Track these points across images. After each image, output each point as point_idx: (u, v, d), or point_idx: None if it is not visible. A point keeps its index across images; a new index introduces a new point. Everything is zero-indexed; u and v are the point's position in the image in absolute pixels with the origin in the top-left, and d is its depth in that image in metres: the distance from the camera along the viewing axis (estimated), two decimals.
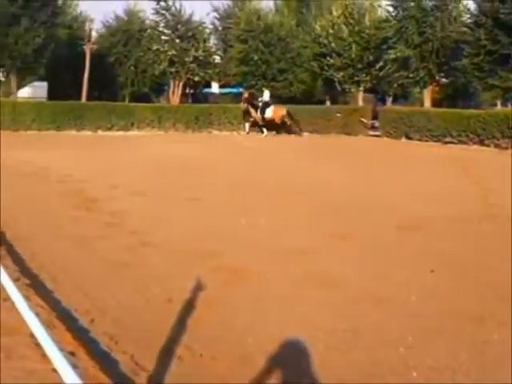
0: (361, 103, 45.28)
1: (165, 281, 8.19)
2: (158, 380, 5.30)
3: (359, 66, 43.87)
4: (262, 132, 39.93)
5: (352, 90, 46.01)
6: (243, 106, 40.92)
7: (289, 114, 39.68)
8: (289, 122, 39.92)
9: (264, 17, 46.20)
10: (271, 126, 40.00)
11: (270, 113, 39.55)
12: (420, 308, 7.23)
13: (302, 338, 6.22)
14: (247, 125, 40.64)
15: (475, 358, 5.85)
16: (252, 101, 40.73)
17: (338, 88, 45.66)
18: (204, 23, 48.94)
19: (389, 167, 22.93)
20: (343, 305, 7.38)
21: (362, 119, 39.75)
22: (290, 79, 46.01)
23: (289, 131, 39.84)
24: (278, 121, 39.60)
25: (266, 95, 41.05)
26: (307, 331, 6.46)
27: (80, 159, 23.29)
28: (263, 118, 39.71)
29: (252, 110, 39.92)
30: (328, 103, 48.56)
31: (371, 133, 39.30)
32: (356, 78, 44.48)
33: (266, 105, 40.02)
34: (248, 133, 40.12)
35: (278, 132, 40.08)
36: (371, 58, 43.40)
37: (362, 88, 45.38)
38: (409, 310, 7.14)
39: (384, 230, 11.59)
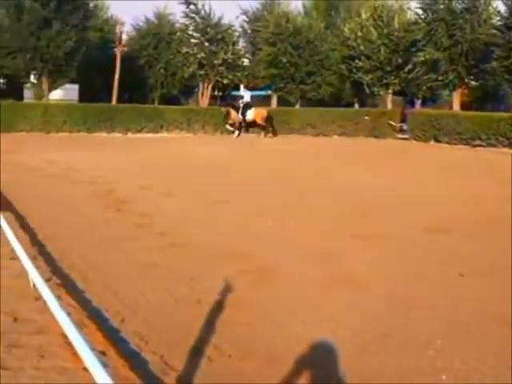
0: (389, 106, 45.07)
1: (194, 281, 8.26)
2: (187, 380, 5.36)
3: (388, 68, 43.67)
4: (233, 132, 39.84)
5: (381, 92, 45.83)
6: (223, 109, 40.82)
7: (269, 115, 39.86)
8: (269, 124, 39.88)
9: (293, 19, 46.13)
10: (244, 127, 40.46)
11: (251, 114, 39.57)
12: (449, 311, 7.22)
13: (330, 339, 6.25)
14: (228, 127, 40.50)
15: (504, 361, 5.83)
16: (232, 104, 40.94)
17: (367, 91, 45.48)
18: (233, 26, 49.07)
19: (417, 170, 22.80)
20: (372, 307, 7.39)
21: (391, 122, 39.58)
22: (319, 82, 45.91)
23: (267, 132, 39.90)
24: (259, 122, 39.60)
25: (247, 96, 41.31)
26: (335, 332, 6.50)
27: (110, 161, 23.47)
28: (244, 120, 39.68)
29: (232, 112, 39.79)
30: (356, 106, 48.46)
31: (400, 136, 39.13)
32: (385, 81, 44.29)
33: (247, 106, 40.06)
34: (239, 135, 39.87)
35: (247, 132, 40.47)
36: (400, 60, 43.18)
37: (390, 91, 45.17)
38: (437, 313, 7.14)
39: (412, 232, 11.57)
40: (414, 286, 8.27)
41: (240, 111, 39.53)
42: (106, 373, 3.97)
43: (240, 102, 40.50)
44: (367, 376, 5.54)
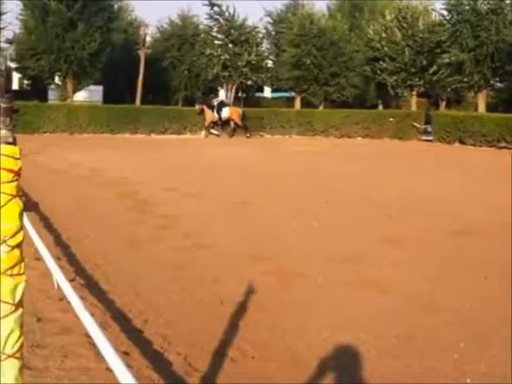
0: (414, 108, 44.90)
1: (217, 283, 8.27)
2: (210, 381, 5.35)
3: (412, 70, 43.47)
4: (211, 133, 39.33)
5: (405, 94, 45.69)
6: (196, 108, 39.94)
7: (244, 114, 39.50)
8: (243, 123, 39.35)
9: (317, 21, 46.05)
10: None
11: (226, 112, 39.14)
12: (473, 314, 7.17)
13: (353, 343, 6.22)
14: (212, 130, 39.76)
15: None
16: (207, 101, 40.23)
17: (391, 92, 45.33)
18: (257, 28, 49.11)
19: (442, 172, 22.68)
20: (395, 310, 7.36)
21: (415, 124, 39.46)
22: (343, 83, 45.82)
23: (245, 131, 39.32)
24: (235, 120, 39.17)
25: (222, 95, 40.95)
26: (358, 335, 6.46)
27: (134, 162, 23.56)
28: (220, 118, 39.19)
29: (207, 111, 39.06)
30: (381, 108, 48.31)
31: (424, 137, 38.99)
32: (409, 83, 44.09)
33: (222, 104, 39.62)
34: (218, 135, 39.37)
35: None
36: (425, 62, 42.97)
37: (415, 92, 44.98)
38: (462, 316, 7.10)
39: (436, 234, 11.50)
40: (438, 288, 8.21)
41: (215, 110, 39.04)
42: (129, 373, 3.96)
43: (214, 100, 40.14)
44: (390, 379, 5.51)
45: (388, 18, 44.86)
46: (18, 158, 2.15)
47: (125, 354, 5.40)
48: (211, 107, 39.07)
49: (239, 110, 39.61)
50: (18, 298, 2.18)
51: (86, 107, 39.30)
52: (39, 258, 7.92)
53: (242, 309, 7.08)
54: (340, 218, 13.15)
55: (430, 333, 6.63)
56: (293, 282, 8.47)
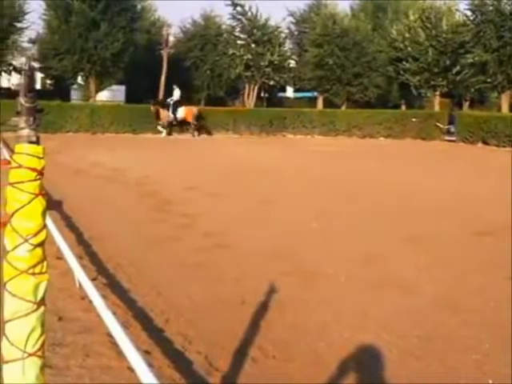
0: (437, 108, 44.75)
1: (238, 282, 8.27)
2: (231, 380, 5.35)
3: (436, 70, 43.31)
4: (161, 132, 38.22)
5: (428, 94, 45.54)
6: (152, 109, 38.09)
7: (200, 113, 38.92)
8: (200, 122, 38.79)
9: (340, 21, 46.03)
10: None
11: (181, 112, 38.27)
12: (496, 315, 7.11)
13: (374, 343, 6.19)
14: (159, 128, 38.36)
15: None
16: (162, 101, 39.29)
17: (414, 93, 45.21)
18: (280, 28, 49.15)
19: (465, 172, 22.57)
20: (417, 310, 7.33)
21: (438, 124, 39.32)
22: (366, 84, 45.74)
23: (195, 130, 38.59)
24: (189, 120, 38.32)
25: (176, 94, 39.22)
26: (380, 335, 6.44)
27: (156, 161, 23.64)
28: (175, 118, 38.24)
29: (162, 111, 37.92)
30: (403, 108, 48.16)
31: (447, 138, 38.84)
32: (432, 83, 43.94)
33: (178, 104, 38.60)
34: (169, 134, 38.41)
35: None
36: (448, 62, 42.80)
37: (438, 93, 44.83)
38: (484, 317, 7.04)
39: (459, 235, 11.44)
40: (460, 289, 8.18)
41: (170, 110, 38.03)
42: (150, 372, 3.96)
43: (169, 100, 38.84)
44: (412, 379, 5.49)
45: (411, 18, 44.74)
46: (41, 158, 2.17)
47: (146, 353, 5.41)
48: (166, 107, 38.16)
49: (194, 110, 38.75)
50: (40, 296, 2.17)
51: (109, 107, 39.49)
52: (61, 257, 7.94)
53: (263, 308, 7.06)
54: (363, 218, 13.12)
55: (452, 333, 6.59)
56: (314, 281, 8.45)
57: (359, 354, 6.00)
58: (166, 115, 37.81)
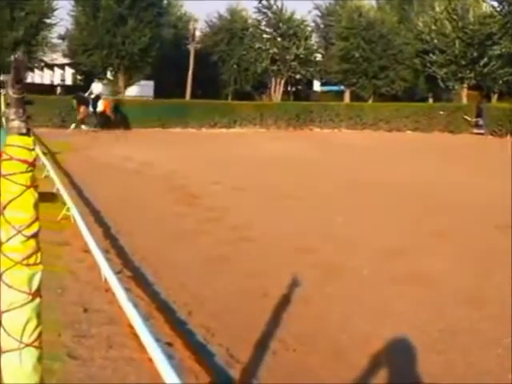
0: (465, 101, 44.39)
1: (262, 275, 8.34)
2: (252, 373, 5.41)
3: (463, 62, 42.94)
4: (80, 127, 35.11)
5: (455, 87, 45.12)
6: (74, 103, 35.27)
7: (116, 105, 37.21)
8: (113, 114, 36.75)
9: (366, 14, 45.75)
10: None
11: (100, 106, 36.20)
12: None
13: (396, 337, 6.24)
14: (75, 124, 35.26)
15: None
16: (81, 97, 36.11)
17: (441, 85, 44.84)
18: (305, 21, 49.03)
19: (492, 166, 22.40)
20: (440, 304, 7.35)
21: (466, 117, 39.08)
22: (392, 77, 45.45)
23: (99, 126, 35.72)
24: (108, 113, 36.49)
25: (97, 88, 37.48)
26: (403, 329, 6.48)
27: (184, 156, 23.72)
28: (95, 112, 35.88)
29: (81, 107, 35.01)
30: (431, 101, 47.82)
31: (475, 131, 38.57)
32: (460, 75, 43.58)
33: (98, 98, 36.33)
34: (95, 130, 34.83)
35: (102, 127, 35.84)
36: (475, 54, 42.40)
37: (465, 85, 44.44)
38: (507, 311, 7.02)
39: (483, 229, 11.41)
40: (484, 283, 8.18)
41: (91, 104, 35.49)
42: (169, 364, 4.05)
43: (89, 93, 36.17)
44: (433, 374, 5.49)
45: (438, 9, 44.36)
46: (31, 149, 2.17)
47: (168, 345, 5.52)
48: (86, 102, 35.59)
49: (111, 102, 37.13)
50: (34, 287, 2.18)
51: (138, 102, 39.67)
52: (88, 251, 8.08)
53: (285, 301, 7.12)
54: (388, 212, 13.14)
55: (474, 327, 6.61)
56: (337, 275, 8.50)
57: (380, 348, 6.02)
58: (83, 110, 35.09)
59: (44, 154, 17.94)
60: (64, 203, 10.85)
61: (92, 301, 6.68)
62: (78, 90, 39.06)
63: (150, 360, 4.64)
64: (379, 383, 5.41)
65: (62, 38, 46.47)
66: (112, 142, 28.71)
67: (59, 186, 12.15)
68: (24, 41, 37.89)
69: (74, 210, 9.96)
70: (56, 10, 40.77)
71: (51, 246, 8.98)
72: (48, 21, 40.66)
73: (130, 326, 5.48)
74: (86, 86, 42.98)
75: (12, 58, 2.16)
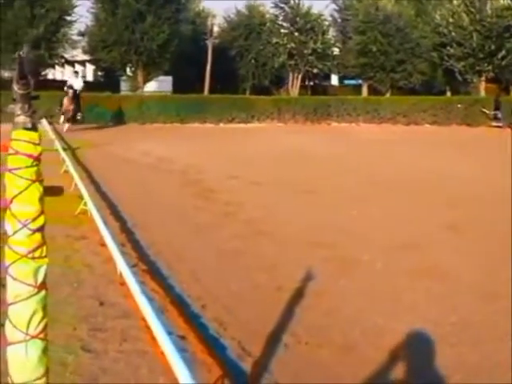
0: (483, 94, 44.10)
1: (276, 269, 8.41)
2: (263, 366, 5.47)
3: (481, 55, 42.63)
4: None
5: (473, 80, 44.81)
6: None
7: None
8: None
9: (383, 7, 45.49)
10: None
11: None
12: None
13: (409, 330, 6.28)
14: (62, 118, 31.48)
15: None
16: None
17: (459, 78, 44.54)
18: (323, 15, 48.91)
19: (508, 160, 22.29)
20: (453, 298, 7.38)
21: (484, 110, 38.85)
22: (410, 70, 45.23)
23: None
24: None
25: (79, 82, 33.21)
26: (415, 323, 6.53)
27: (201, 151, 23.78)
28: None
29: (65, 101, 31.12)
30: (448, 94, 47.55)
31: (493, 124, 38.35)
32: (477, 68, 43.28)
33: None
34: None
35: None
36: (493, 46, 42.05)
37: (483, 78, 44.14)
38: None
39: (498, 222, 11.39)
40: (497, 276, 8.18)
41: (74, 100, 31.22)
42: (180, 357, 4.11)
43: (68, 88, 31.54)
44: (445, 367, 5.53)
45: (455, 2, 44.03)
46: (37, 144, 2.19)
47: (181, 338, 5.61)
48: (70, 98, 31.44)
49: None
50: (40, 279, 2.20)
51: (157, 97, 39.80)
52: (105, 244, 8.18)
53: (299, 295, 7.18)
54: (403, 206, 13.15)
55: (487, 321, 6.64)
56: (351, 268, 8.56)
57: (393, 341, 6.07)
58: (68, 105, 30.99)
59: (64, 149, 18.10)
60: (81, 197, 10.96)
61: (107, 294, 6.77)
62: (99, 86, 38.97)
63: (163, 353, 4.71)
64: (393, 378, 5.46)
65: (81, 34, 46.60)
66: (132, 137, 28.84)
67: (77, 181, 12.26)
68: (44, 38, 38.18)
69: (90, 205, 10.07)
70: (76, 6, 41.09)
71: (69, 240, 9.13)
72: (68, 18, 40.96)
73: (145, 320, 5.56)
74: (107, 83, 43.25)
75: (17, 54, 2.18)
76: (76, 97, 31.02)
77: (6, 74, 37.76)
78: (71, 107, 30.62)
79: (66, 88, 31.76)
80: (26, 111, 2.20)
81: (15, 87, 2.18)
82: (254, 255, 9.19)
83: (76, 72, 38.07)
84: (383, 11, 44.88)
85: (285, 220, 11.69)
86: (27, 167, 2.17)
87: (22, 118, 2.20)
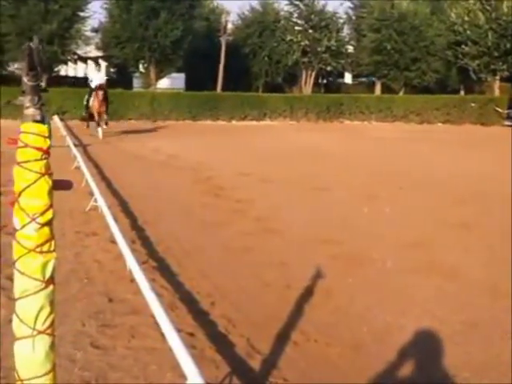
0: (497, 93, 43.98)
1: (285, 267, 8.38)
2: (272, 363, 5.45)
3: (496, 54, 42.52)
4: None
5: (488, 79, 44.73)
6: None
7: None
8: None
9: (398, 5, 45.47)
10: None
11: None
12: None
13: (417, 329, 6.26)
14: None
15: None
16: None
17: (473, 77, 44.47)
18: (337, 13, 49.06)
19: None
20: (461, 296, 7.34)
21: (497, 108, 38.72)
22: (424, 68, 45.18)
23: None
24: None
25: (101, 79, 29.33)
26: (423, 321, 6.50)
27: (213, 148, 23.87)
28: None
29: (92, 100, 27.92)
30: (462, 93, 47.46)
31: (507, 123, 38.23)
32: (492, 67, 43.18)
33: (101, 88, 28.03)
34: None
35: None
36: (508, 45, 41.94)
37: (498, 77, 44.04)
38: None
39: (506, 222, 11.35)
40: (505, 275, 8.14)
41: (105, 101, 27.62)
42: (189, 354, 4.11)
43: (98, 90, 27.55)
44: (453, 366, 5.52)
45: (471, 1, 43.97)
46: (46, 137, 2.17)
47: (190, 335, 5.61)
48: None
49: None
50: (48, 274, 2.19)
51: (169, 94, 39.89)
52: (115, 241, 8.19)
53: (307, 292, 7.17)
54: (413, 204, 13.12)
55: (495, 320, 6.60)
56: (360, 266, 8.53)
57: (401, 339, 6.04)
58: (95, 107, 27.33)
59: (75, 145, 18.17)
60: (92, 194, 10.99)
61: (117, 291, 6.79)
62: (111, 83, 38.69)
63: (171, 350, 4.70)
64: (401, 375, 5.44)
65: (95, 30, 46.81)
66: (144, 134, 28.88)
67: (88, 177, 12.28)
68: (58, 34, 38.32)
69: (101, 201, 10.08)
70: (89, 2, 41.35)
71: (79, 236, 9.17)
72: (81, 14, 41.14)
73: (154, 316, 5.56)
74: (119, 79, 43.34)
75: (26, 45, 2.18)
76: (106, 97, 27.42)
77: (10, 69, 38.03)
78: (102, 109, 26.94)
79: (92, 86, 27.92)
80: (35, 103, 2.19)
81: (25, 79, 2.17)
82: (263, 253, 9.16)
83: (98, 65, 37.38)
84: (398, 9, 44.82)
85: (294, 217, 11.67)
86: (36, 160, 2.16)
87: (31, 111, 2.19)
